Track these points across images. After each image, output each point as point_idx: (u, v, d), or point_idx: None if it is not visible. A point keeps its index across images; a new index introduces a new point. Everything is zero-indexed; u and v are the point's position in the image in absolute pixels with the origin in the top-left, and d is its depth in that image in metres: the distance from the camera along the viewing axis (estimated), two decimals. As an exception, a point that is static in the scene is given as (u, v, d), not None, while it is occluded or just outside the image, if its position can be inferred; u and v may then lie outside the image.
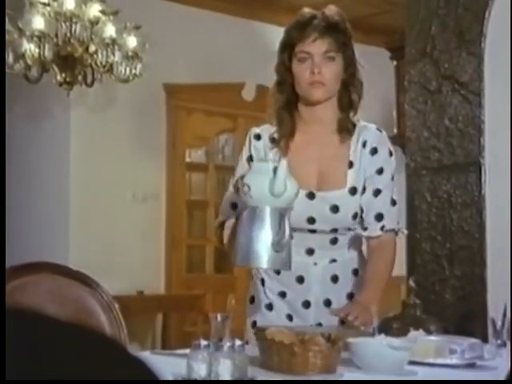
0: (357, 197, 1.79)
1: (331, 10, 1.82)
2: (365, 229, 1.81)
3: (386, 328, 1.56)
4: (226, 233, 1.76)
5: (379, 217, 1.80)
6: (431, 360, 1.46)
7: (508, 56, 2.70)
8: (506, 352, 1.51)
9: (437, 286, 2.78)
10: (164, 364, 1.40)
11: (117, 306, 1.75)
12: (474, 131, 2.76)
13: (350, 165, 1.81)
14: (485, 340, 1.61)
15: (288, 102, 1.83)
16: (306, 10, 1.82)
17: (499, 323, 1.56)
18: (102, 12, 3.86)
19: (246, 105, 5.21)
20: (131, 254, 4.82)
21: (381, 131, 1.87)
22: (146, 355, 1.57)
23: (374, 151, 1.82)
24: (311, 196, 1.78)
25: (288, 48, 1.80)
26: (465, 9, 2.80)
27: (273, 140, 1.84)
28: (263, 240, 1.57)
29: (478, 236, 2.71)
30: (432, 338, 1.55)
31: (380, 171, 1.81)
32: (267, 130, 1.85)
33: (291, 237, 1.60)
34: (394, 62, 4.38)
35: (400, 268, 3.10)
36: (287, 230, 1.58)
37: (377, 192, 1.81)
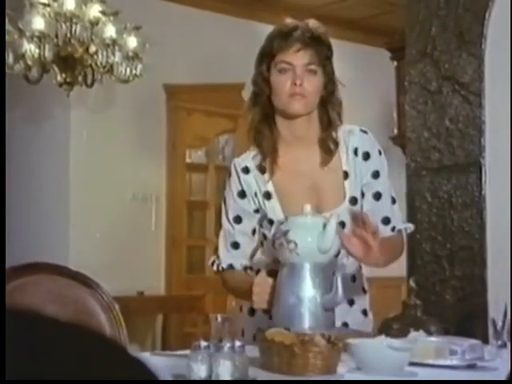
0: (358, 206, 1.75)
1: (314, 23, 1.75)
2: None
3: (386, 329, 1.56)
4: (236, 284, 1.74)
5: (386, 220, 1.78)
6: (431, 361, 1.46)
7: (508, 57, 2.70)
8: (506, 353, 1.51)
9: (437, 287, 2.78)
10: (164, 365, 1.39)
11: (117, 306, 1.75)
12: (474, 132, 2.76)
13: (346, 175, 1.76)
14: (485, 341, 1.61)
15: (265, 115, 1.74)
16: (289, 21, 1.76)
17: (500, 324, 1.56)
18: (102, 13, 3.86)
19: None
20: (131, 255, 4.82)
21: (366, 132, 1.81)
22: (146, 356, 1.56)
23: (367, 156, 1.77)
24: None
25: (267, 58, 1.74)
26: (465, 10, 2.80)
27: (262, 169, 1.75)
28: (312, 299, 1.51)
29: (479, 236, 2.71)
30: (432, 338, 1.55)
31: (376, 175, 1.77)
32: (253, 159, 1.76)
33: (344, 295, 1.53)
34: (395, 63, 4.38)
35: (400, 269, 3.10)
36: (340, 287, 1.50)
37: (377, 196, 1.77)
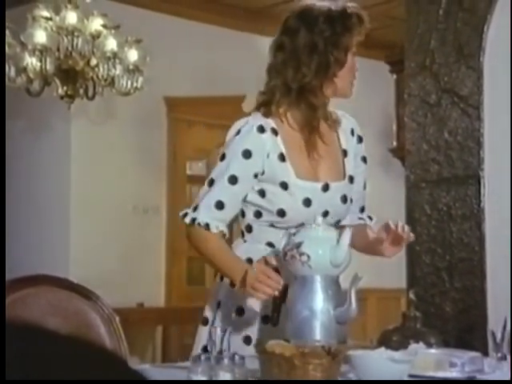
0: (353, 185, 1.78)
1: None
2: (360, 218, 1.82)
3: (386, 340, 1.56)
4: (214, 253, 1.66)
5: (363, 208, 1.84)
6: (431, 373, 1.46)
7: (507, 70, 2.72)
8: (506, 365, 1.51)
9: (437, 299, 2.78)
10: (164, 377, 1.40)
11: (117, 318, 1.75)
12: (473, 144, 2.77)
13: (345, 153, 1.78)
14: (485, 353, 1.61)
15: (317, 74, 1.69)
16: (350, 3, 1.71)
17: (499, 336, 1.56)
18: (104, 26, 3.88)
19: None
20: (131, 266, 4.81)
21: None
22: (146, 368, 1.56)
23: (360, 140, 1.82)
24: (326, 188, 1.71)
25: (346, 35, 1.69)
26: (464, 23, 2.82)
27: (274, 131, 1.69)
28: (326, 311, 1.50)
29: (478, 248, 2.71)
30: (432, 350, 1.55)
31: (365, 160, 1.83)
32: (266, 121, 1.69)
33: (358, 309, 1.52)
34: (394, 76, 4.40)
35: (400, 280, 3.10)
36: (354, 300, 1.49)
37: (365, 185, 1.83)
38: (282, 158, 1.69)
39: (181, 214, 1.71)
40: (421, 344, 1.55)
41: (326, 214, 1.70)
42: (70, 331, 1.64)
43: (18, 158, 4.94)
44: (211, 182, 1.69)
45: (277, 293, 1.51)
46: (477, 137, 2.76)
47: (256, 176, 1.69)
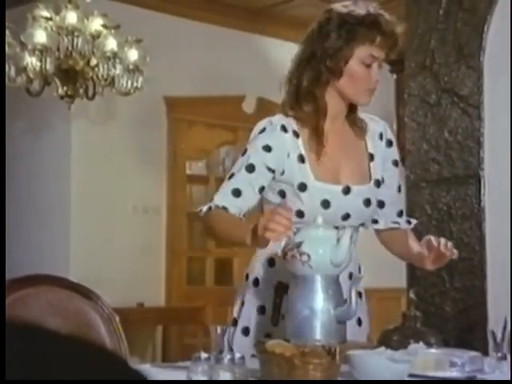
0: (379, 190, 1.77)
1: (387, 14, 1.71)
2: (387, 222, 1.81)
3: (385, 340, 1.56)
4: (222, 224, 1.62)
5: (400, 213, 1.83)
6: (431, 373, 1.46)
7: (507, 69, 2.72)
8: (506, 365, 1.51)
9: (437, 299, 2.78)
10: (164, 376, 1.40)
11: (117, 318, 1.75)
12: (473, 144, 2.77)
13: (371, 157, 1.78)
14: (485, 353, 1.61)
15: (317, 81, 1.70)
16: (374, 5, 1.69)
17: (499, 336, 1.56)
18: (104, 26, 3.88)
19: (246, 117, 5.22)
20: (132, 267, 4.81)
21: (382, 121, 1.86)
22: (146, 368, 1.57)
23: (390, 143, 1.82)
24: (347, 191, 1.71)
25: (355, 40, 1.66)
26: (464, 23, 2.82)
27: (295, 133, 1.71)
28: (326, 311, 1.50)
29: (478, 248, 2.71)
30: (432, 350, 1.55)
31: (396, 164, 1.82)
32: (288, 122, 1.71)
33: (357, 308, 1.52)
34: (394, 76, 4.40)
35: (400, 280, 3.10)
36: (354, 300, 1.49)
37: (399, 188, 1.83)
38: (302, 159, 1.70)
39: (198, 211, 1.68)
40: (421, 344, 1.55)
41: (347, 216, 1.71)
42: (70, 331, 1.64)
43: (18, 157, 4.94)
44: (231, 176, 1.71)
45: (291, 232, 1.46)
46: (477, 136, 2.76)
47: (273, 172, 1.69)
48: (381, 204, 1.79)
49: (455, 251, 1.64)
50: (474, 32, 2.78)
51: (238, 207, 1.67)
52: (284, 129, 1.70)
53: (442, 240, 1.63)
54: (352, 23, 1.67)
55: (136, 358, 4.51)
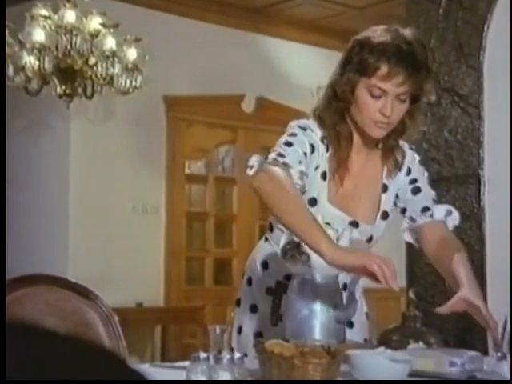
0: (387, 221, 1.72)
1: (417, 40, 1.60)
2: (413, 220, 1.71)
3: (385, 340, 1.56)
4: (290, 203, 1.48)
5: (425, 208, 1.72)
6: (431, 373, 1.45)
7: (507, 69, 2.71)
8: (506, 365, 1.50)
9: (437, 298, 2.77)
10: (163, 376, 1.39)
11: (116, 318, 1.75)
12: (473, 143, 2.77)
13: (385, 188, 1.70)
14: (485, 353, 1.61)
15: (342, 115, 1.62)
16: (391, 32, 1.58)
17: (499, 336, 1.55)
18: (103, 25, 3.88)
19: (245, 117, 5.22)
20: (130, 266, 4.81)
21: (412, 149, 1.76)
22: (145, 367, 1.56)
23: (409, 172, 1.73)
24: (354, 225, 1.66)
25: (363, 71, 1.56)
26: (464, 22, 2.81)
27: (322, 141, 1.64)
28: (325, 311, 1.49)
29: (478, 248, 2.71)
30: (432, 350, 1.54)
31: (414, 181, 1.73)
32: (317, 128, 1.63)
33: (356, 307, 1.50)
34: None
35: (400, 280, 3.09)
36: (353, 300, 1.49)
37: (416, 190, 1.72)
38: (324, 176, 1.64)
39: (248, 167, 1.54)
40: (420, 344, 1.55)
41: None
42: (69, 330, 1.63)
43: (17, 156, 4.93)
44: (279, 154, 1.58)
45: (394, 286, 1.43)
46: (477, 136, 2.75)
47: (304, 166, 1.57)
48: (425, 208, 1.70)
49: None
50: (474, 31, 2.78)
51: (300, 173, 1.55)
52: (322, 139, 1.64)
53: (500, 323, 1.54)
54: (365, 51, 1.58)
55: (135, 357, 4.51)
